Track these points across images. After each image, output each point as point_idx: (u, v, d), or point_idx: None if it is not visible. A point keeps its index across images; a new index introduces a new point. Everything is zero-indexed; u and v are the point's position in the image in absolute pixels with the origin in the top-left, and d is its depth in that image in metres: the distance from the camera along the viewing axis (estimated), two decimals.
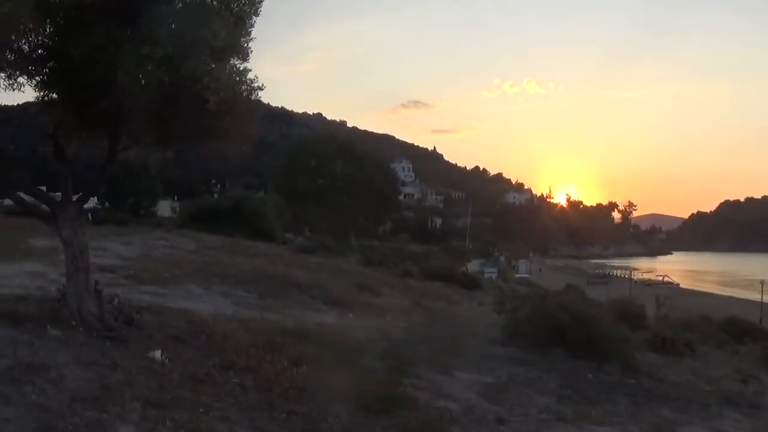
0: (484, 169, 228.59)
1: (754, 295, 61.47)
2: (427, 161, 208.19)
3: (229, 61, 7.40)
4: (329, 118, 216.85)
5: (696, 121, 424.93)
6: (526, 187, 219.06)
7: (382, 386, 8.02)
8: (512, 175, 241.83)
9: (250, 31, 7.58)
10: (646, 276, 72.65)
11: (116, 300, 7.84)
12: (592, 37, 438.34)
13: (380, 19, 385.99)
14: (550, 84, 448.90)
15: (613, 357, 11.05)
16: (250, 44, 7.62)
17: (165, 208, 58.77)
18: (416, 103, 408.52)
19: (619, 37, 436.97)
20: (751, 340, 16.26)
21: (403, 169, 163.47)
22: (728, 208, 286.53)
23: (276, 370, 7.57)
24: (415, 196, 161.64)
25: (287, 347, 8.83)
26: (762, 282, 40.93)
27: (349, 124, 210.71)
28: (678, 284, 71.30)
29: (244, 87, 7.50)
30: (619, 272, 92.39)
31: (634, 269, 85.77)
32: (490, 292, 27.08)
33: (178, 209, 58.13)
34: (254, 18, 7.73)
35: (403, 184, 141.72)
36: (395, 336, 11.87)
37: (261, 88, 7.67)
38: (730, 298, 56.02)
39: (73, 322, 7.15)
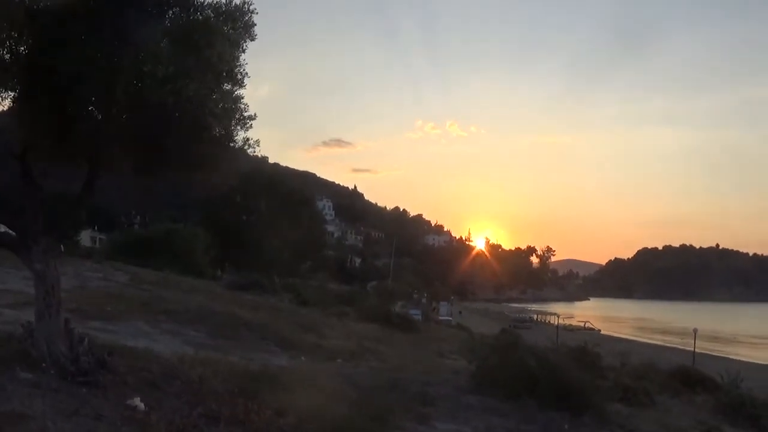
0: (404, 209, 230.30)
1: (675, 341, 63.71)
2: (348, 200, 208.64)
3: (225, 86, 6.94)
4: (250, 153, 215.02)
5: (615, 168, 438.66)
6: (445, 229, 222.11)
7: None
8: (432, 217, 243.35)
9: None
10: (567, 321, 74.13)
11: (86, 340, 7.12)
12: (515, 82, 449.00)
13: (303, 56, 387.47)
14: (472, 127, 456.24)
15: (586, 408, 10.84)
16: (244, 70, 7.18)
17: (85, 237, 56.62)
18: (338, 142, 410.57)
19: (542, 84, 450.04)
20: (703, 390, 16.45)
21: (324, 207, 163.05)
22: (646, 255, 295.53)
23: (263, 421, 7.02)
24: (335, 235, 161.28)
25: (263, 394, 8.27)
26: (695, 330, 42.19)
27: (271, 160, 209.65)
28: (599, 330, 73.04)
29: (238, 115, 7.04)
30: (538, 317, 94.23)
31: (554, 314, 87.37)
32: (430, 335, 26.85)
33: (98, 239, 56.07)
34: (248, 42, 7.29)
35: (324, 222, 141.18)
36: (361, 382, 11.38)
37: (253, 118, 7.23)
38: (654, 345, 57.49)
39: (44, 364, 6.42)
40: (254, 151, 7.09)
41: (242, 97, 6.94)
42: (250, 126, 7.24)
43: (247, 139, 7.01)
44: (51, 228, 7.00)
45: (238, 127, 7.06)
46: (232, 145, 6.90)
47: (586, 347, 15.98)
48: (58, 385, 6.13)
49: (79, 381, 6.35)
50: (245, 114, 7.17)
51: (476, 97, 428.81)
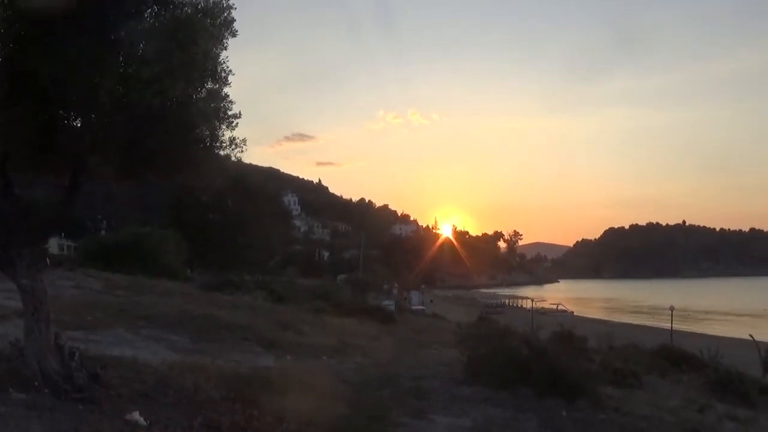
0: (369, 201, 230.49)
1: (648, 321, 64.48)
2: (313, 194, 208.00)
3: (210, 84, 6.74)
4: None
5: (579, 150, 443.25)
6: (412, 219, 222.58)
7: None
8: (398, 207, 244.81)
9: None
10: (540, 305, 74.58)
11: (77, 354, 6.89)
12: (475, 67, 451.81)
13: (262, 51, 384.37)
14: (434, 115, 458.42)
15: (580, 393, 10.86)
16: (228, 67, 6.98)
17: (53, 245, 55.61)
18: (301, 136, 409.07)
19: (503, 67, 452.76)
20: (688, 368, 16.59)
21: (290, 203, 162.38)
22: (613, 235, 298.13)
23: (265, 428, 6.88)
24: (302, 230, 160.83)
25: (259, 399, 8.13)
26: (671, 308, 42.65)
27: (233, 158, 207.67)
28: (572, 312, 73.54)
29: (223, 114, 6.85)
30: (509, 302, 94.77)
31: (526, 298, 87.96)
32: (408, 326, 26.81)
33: (66, 247, 55.10)
34: (229, 38, 7.08)
35: (291, 217, 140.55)
36: (352, 380, 11.28)
37: (238, 116, 7.04)
38: (629, 325, 58.11)
39: (36, 383, 6.19)
40: (242, 151, 6.92)
41: (228, 96, 6.76)
42: (236, 125, 7.07)
43: (233, 139, 6.83)
44: (34, 240, 6.76)
45: (224, 126, 6.88)
46: (217, 145, 6.70)
47: (572, 332, 15.99)
48: (53, 404, 5.91)
49: (74, 398, 6.13)
50: (230, 112, 6.99)
51: (437, 85, 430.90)
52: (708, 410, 11.75)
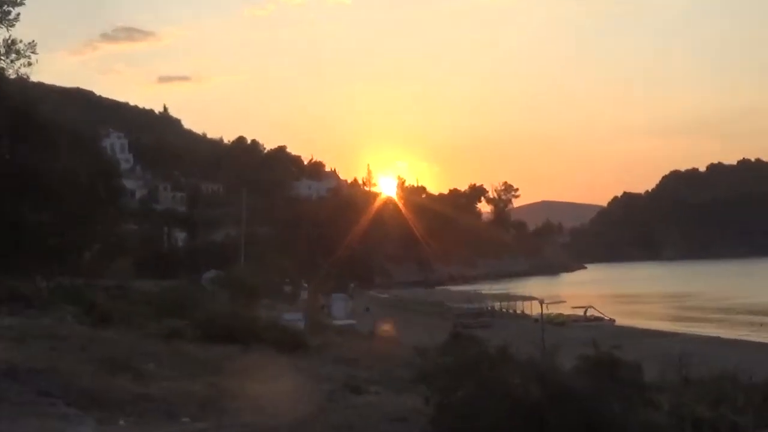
0: (253, 141, 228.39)
1: (748, 333, 64.66)
2: (154, 132, 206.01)
3: None
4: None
5: (609, 32, 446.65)
6: (328, 170, 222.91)
7: None
8: (303, 151, 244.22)
9: None
10: (555, 310, 73.07)
11: None
12: None
13: None
14: None
15: None
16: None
17: None
18: (130, 33, 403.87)
19: None
20: None
21: (114, 148, 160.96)
22: (678, 184, 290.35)
23: None
24: (137, 195, 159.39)
25: None
26: None
27: (12, 75, 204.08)
28: (613, 320, 73.40)
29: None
30: (501, 306, 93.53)
31: (530, 298, 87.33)
32: (329, 352, 26.84)
33: None
34: None
35: (117, 174, 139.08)
36: None
37: (18, 2, 6.88)
38: (716, 339, 58.38)
39: None
40: (29, 62, 6.81)
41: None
42: (15, 18, 6.93)
43: (12, 42, 6.69)
44: None
45: None
46: None
47: (617, 354, 15.92)
48: None
49: None
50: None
51: None
52: None
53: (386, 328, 59.57)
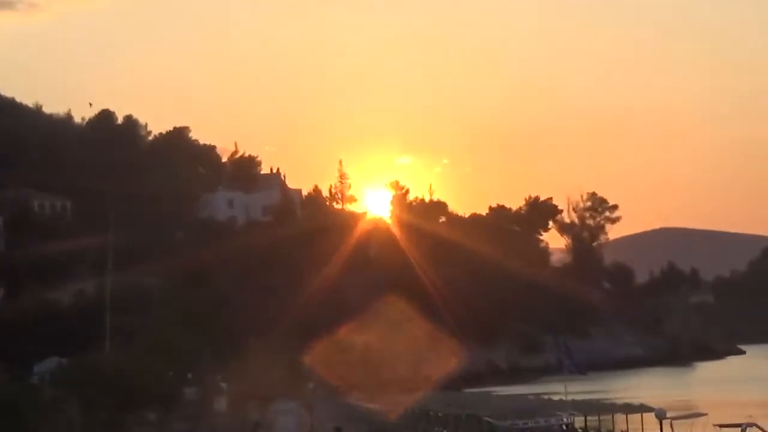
0: (129, 119, 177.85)
1: None
2: None
3: None
4: None
5: None
6: (265, 171, 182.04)
7: None
8: (220, 140, 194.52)
9: None
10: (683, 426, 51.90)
11: None
12: None
13: None
14: None
15: None
16: None
17: None
18: None
19: None
20: None
21: None
22: None
23: None
24: None
25: None
26: None
27: None
28: None
29: None
30: (587, 422, 66.71)
31: (645, 408, 60.92)
32: None
33: None
34: None
35: None
36: None
37: None
38: None
39: None
40: None
41: None
42: None
43: None
44: None
45: None
46: None
47: None
48: None
49: None
50: None
51: None
52: None
53: None
